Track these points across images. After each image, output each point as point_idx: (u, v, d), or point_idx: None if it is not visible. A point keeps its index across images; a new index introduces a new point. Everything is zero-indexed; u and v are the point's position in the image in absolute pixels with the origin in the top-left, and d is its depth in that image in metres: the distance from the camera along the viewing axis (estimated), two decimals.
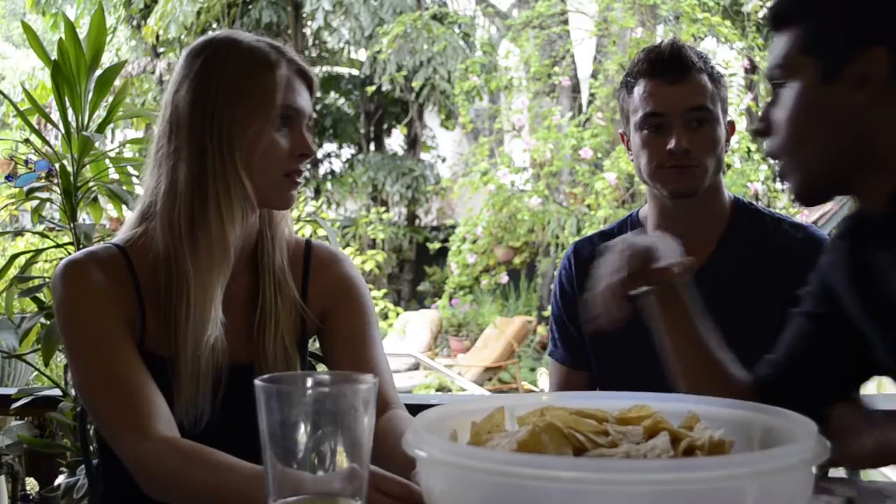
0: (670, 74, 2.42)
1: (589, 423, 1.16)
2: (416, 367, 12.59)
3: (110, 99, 3.45)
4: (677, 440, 1.14)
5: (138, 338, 1.87)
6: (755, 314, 2.27)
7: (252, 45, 1.92)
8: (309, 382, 1.24)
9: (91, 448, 2.41)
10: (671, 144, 2.37)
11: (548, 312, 11.59)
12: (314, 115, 2.02)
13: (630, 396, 1.30)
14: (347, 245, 15.25)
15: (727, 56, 11.78)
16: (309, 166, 2.01)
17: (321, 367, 2.65)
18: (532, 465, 1.00)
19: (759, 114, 2.41)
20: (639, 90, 2.45)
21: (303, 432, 1.16)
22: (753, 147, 10.79)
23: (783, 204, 10.45)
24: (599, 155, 11.32)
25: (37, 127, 3.52)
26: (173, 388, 1.85)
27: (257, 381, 1.17)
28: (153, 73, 16.93)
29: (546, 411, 1.20)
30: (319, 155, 19.04)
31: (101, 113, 3.40)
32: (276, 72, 1.89)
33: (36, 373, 4.34)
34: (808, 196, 1.78)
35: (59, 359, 3.52)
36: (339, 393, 1.21)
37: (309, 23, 17.37)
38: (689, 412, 1.24)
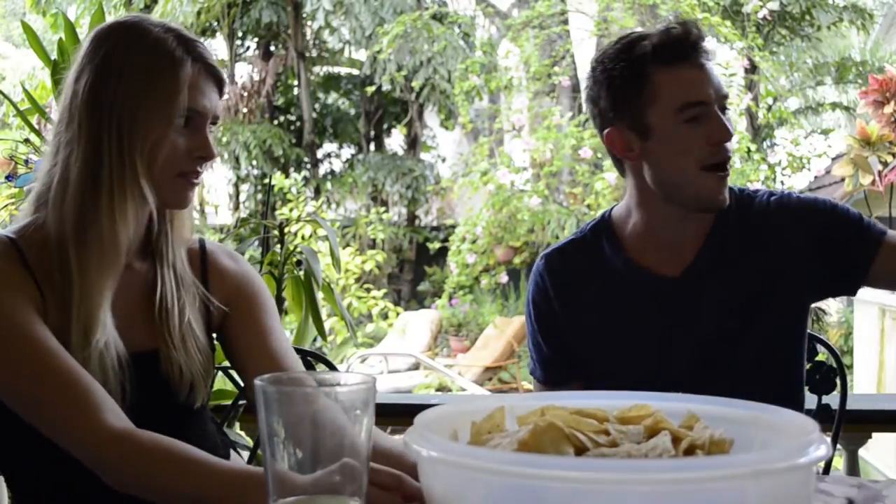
0: (698, 57, 2.15)
1: (590, 422, 1.16)
2: (416, 367, 12.60)
3: None
4: (678, 440, 1.13)
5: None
6: (753, 297, 2.20)
7: (159, 37, 1.82)
8: (308, 382, 1.23)
9: None
10: (717, 136, 2.12)
11: None
12: (219, 117, 1.93)
13: (630, 396, 1.30)
14: (347, 245, 15.26)
15: (727, 56, 11.80)
16: (209, 168, 1.92)
17: (321, 367, 2.65)
18: (533, 464, 0.99)
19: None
20: (665, 76, 2.13)
21: (302, 432, 1.16)
22: (753, 147, 10.80)
23: None
24: (599, 155, 11.33)
25: (37, 127, 3.51)
26: None
27: (257, 381, 1.16)
28: None
29: (547, 411, 1.20)
30: (319, 155, 19.07)
31: None
32: (181, 70, 1.81)
33: None
34: None
35: None
36: (338, 393, 1.21)
37: (309, 23, 17.41)
38: (688, 411, 1.23)
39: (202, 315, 1.99)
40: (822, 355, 2.72)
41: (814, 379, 2.59)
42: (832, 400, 2.63)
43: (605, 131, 2.24)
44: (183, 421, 1.99)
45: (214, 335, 2.06)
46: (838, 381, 2.59)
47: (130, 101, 1.78)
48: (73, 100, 1.83)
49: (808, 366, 2.53)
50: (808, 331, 2.33)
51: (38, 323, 1.73)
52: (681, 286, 2.21)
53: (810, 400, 2.64)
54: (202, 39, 1.91)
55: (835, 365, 2.59)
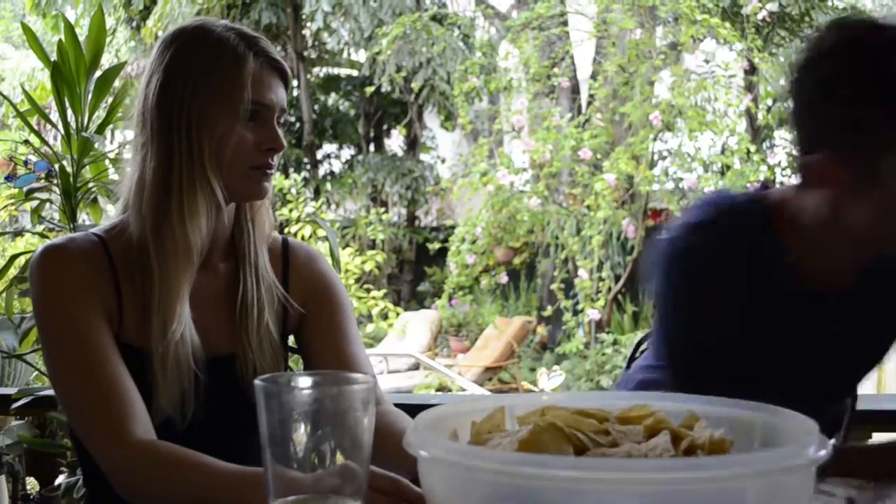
0: None
1: (590, 422, 1.16)
2: (416, 367, 12.59)
3: (110, 100, 3.45)
4: (678, 439, 1.13)
5: (115, 328, 1.84)
6: None
7: (221, 36, 1.88)
8: (309, 382, 1.23)
9: None
10: None
11: (547, 312, 11.48)
12: (287, 109, 1.97)
13: (630, 396, 1.30)
14: (347, 245, 15.24)
15: (726, 58, 11.79)
16: (280, 160, 1.96)
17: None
18: (533, 464, 0.99)
19: None
20: None
21: (303, 432, 1.16)
22: (753, 148, 10.80)
23: None
24: (599, 156, 11.33)
25: (36, 128, 3.52)
26: (150, 381, 1.81)
27: (257, 381, 1.16)
28: None
29: (547, 411, 1.20)
30: (319, 156, 19.05)
31: (100, 114, 3.40)
32: (244, 66, 1.85)
33: (36, 373, 4.34)
34: None
35: None
36: (339, 393, 1.21)
37: (308, 24, 17.37)
38: (688, 411, 1.23)
39: (279, 317, 2.02)
40: None
41: None
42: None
43: (815, 155, 1.88)
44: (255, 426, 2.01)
45: (291, 337, 2.09)
46: None
47: (197, 98, 1.83)
48: (144, 104, 1.88)
49: None
50: None
51: (98, 329, 1.79)
52: (846, 299, 2.07)
53: None
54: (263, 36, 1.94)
55: None
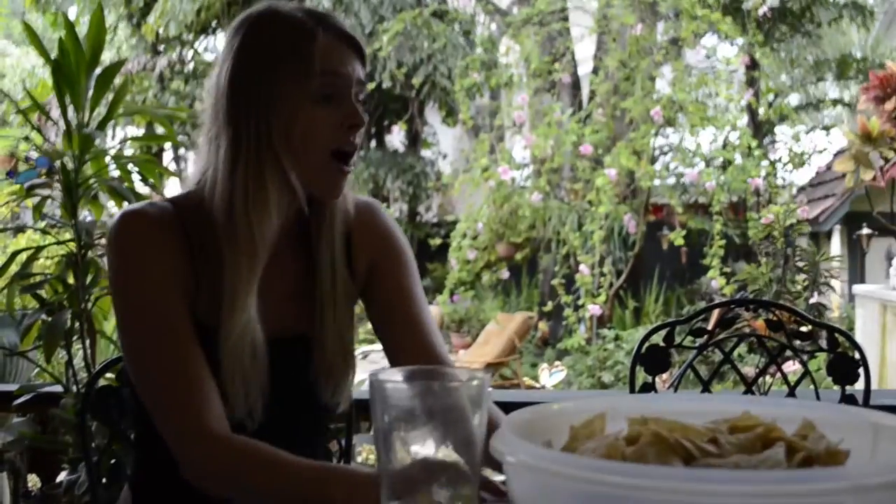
0: None
1: (698, 430, 1.11)
2: None
3: (110, 97, 3.45)
4: (793, 451, 1.09)
5: (190, 305, 1.75)
6: None
7: (288, 15, 1.77)
8: (423, 377, 1.22)
9: (93, 444, 2.40)
10: None
11: (549, 308, 11.53)
12: (365, 83, 1.83)
13: (738, 400, 1.25)
14: None
15: (728, 53, 11.80)
16: (360, 141, 1.81)
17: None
18: (624, 473, 0.95)
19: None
20: None
21: (416, 427, 1.16)
22: (754, 143, 10.80)
23: (784, 200, 10.45)
24: (600, 151, 11.33)
25: (37, 124, 3.51)
26: (220, 360, 1.72)
27: (370, 377, 1.16)
28: (153, 70, 16.93)
29: (650, 421, 1.13)
30: None
31: (101, 110, 3.39)
32: (313, 39, 1.74)
33: (37, 369, 4.34)
34: None
35: (61, 355, 3.52)
36: (452, 388, 1.20)
37: None
38: (803, 419, 1.17)
39: (350, 301, 1.93)
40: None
41: (837, 370, 2.58)
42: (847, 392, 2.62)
43: None
44: (324, 419, 2.00)
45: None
46: (861, 372, 2.58)
47: (265, 80, 1.74)
48: (216, 93, 1.79)
49: (830, 357, 2.54)
50: (829, 322, 2.32)
51: (178, 308, 1.72)
52: None
53: (835, 391, 2.65)
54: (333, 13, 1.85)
55: (857, 356, 2.59)
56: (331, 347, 1.86)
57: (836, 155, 14.71)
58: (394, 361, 1.95)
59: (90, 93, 3.30)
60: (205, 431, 1.63)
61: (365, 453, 4.98)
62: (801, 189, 16.30)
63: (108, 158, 3.44)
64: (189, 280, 1.76)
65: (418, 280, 2.01)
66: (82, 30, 3.35)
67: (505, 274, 12.20)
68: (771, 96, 14.14)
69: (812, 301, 5.28)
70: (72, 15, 15.86)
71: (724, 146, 11.34)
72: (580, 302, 10.81)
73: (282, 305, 1.86)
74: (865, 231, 13.97)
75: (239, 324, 1.72)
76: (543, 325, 13.27)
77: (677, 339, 2.66)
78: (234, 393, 1.74)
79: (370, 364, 12.03)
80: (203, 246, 1.77)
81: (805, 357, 2.72)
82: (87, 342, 3.27)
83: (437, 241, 13.11)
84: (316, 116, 1.74)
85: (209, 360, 1.72)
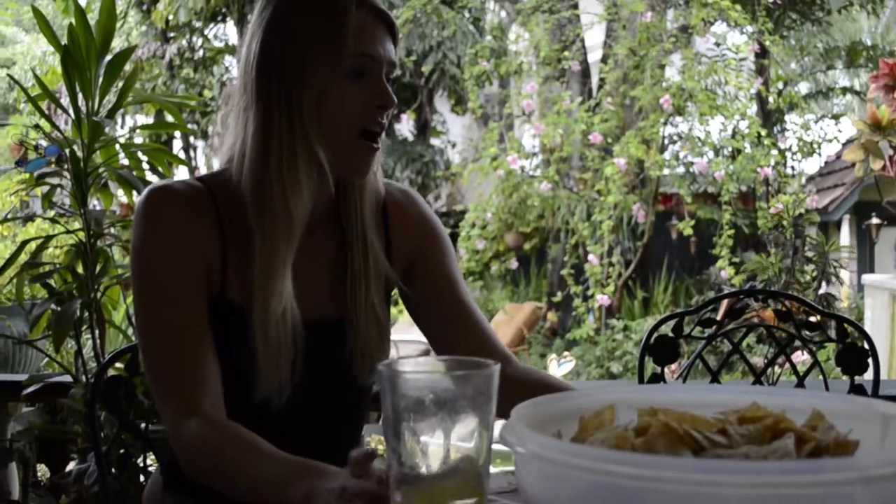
0: None
1: (707, 421, 1.12)
2: (426, 353, 12.57)
3: (120, 84, 3.45)
4: (802, 442, 1.09)
5: (218, 285, 1.76)
6: None
7: None
8: (431, 368, 1.24)
9: (102, 434, 2.40)
10: None
11: (558, 298, 11.54)
12: (396, 64, 1.84)
13: (748, 390, 1.25)
14: None
15: (737, 41, 11.76)
16: (387, 121, 1.81)
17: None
18: (631, 463, 0.96)
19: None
20: None
21: (422, 419, 1.16)
22: (763, 132, 10.77)
23: (793, 189, 10.42)
24: (609, 140, 11.30)
25: (47, 112, 3.51)
26: (252, 340, 1.72)
27: (380, 366, 1.17)
28: (163, 58, 16.92)
29: (659, 411, 1.14)
30: None
31: (111, 98, 3.39)
32: (346, 16, 1.72)
33: (47, 359, 4.34)
34: None
35: (70, 345, 3.53)
36: (462, 377, 1.19)
37: None
38: (813, 409, 1.17)
39: (383, 284, 1.92)
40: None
41: (846, 360, 2.58)
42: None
43: None
44: (360, 401, 1.98)
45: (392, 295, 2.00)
46: (870, 362, 2.58)
47: (296, 55, 1.73)
48: (245, 67, 1.78)
49: (839, 347, 2.54)
50: (838, 312, 2.32)
51: (193, 293, 1.73)
52: None
53: (843, 381, 2.65)
54: None
55: (866, 346, 2.58)
56: (364, 325, 1.85)
57: (845, 144, 14.67)
58: (442, 349, 1.96)
59: (100, 80, 3.30)
60: (196, 411, 1.63)
61: (374, 443, 4.98)
62: (811, 178, 16.27)
63: (117, 147, 3.43)
64: (217, 256, 1.76)
65: (457, 263, 2.01)
66: (93, 16, 3.34)
67: (514, 264, 12.19)
68: (780, 84, 14.10)
69: (821, 291, 5.27)
70: (82, 1, 15.86)
71: (734, 135, 11.31)
72: (589, 292, 10.80)
73: (318, 289, 1.85)
74: (875, 221, 13.93)
75: (276, 306, 1.72)
76: (552, 316, 13.26)
77: (686, 330, 2.66)
78: (267, 375, 1.74)
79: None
80: (234, 221, 1.77)
81: (814, 347, 2.72)
82: (97, 332, 3.27)
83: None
84: (346, 94, 1.74)
85: (241, 340, 1.72)
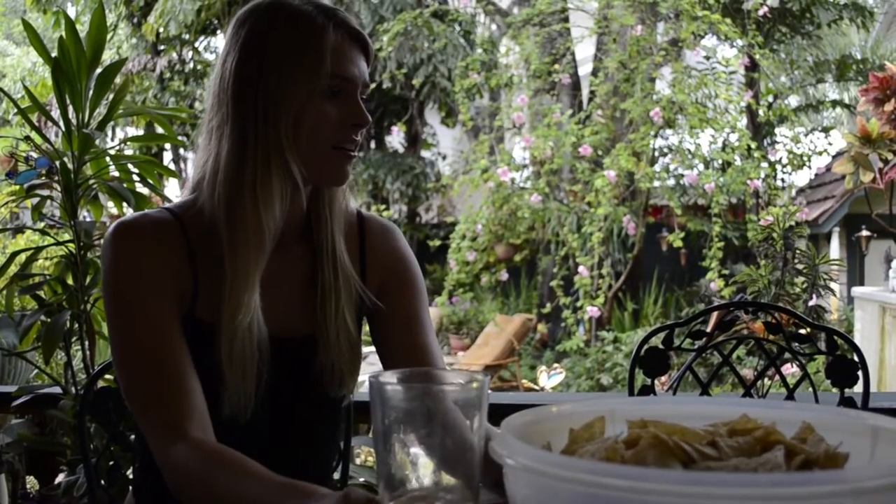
0: None
1: (697, 433, 1.11)
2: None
3: (111, 97, 3.45)
4: (792, 454, 1.09)
5: (188, 304, 1.77)
6: None
7: (298, 9, 1.77)
8: (421, 381, 1.23)
9: (91, 446, 2.40)
10: None
11: (548, 310, 11.53)
12: (370, 84, 1.85)
13: (739, 402, 1.25)
14: None
15: (727, 54, 11.80)
16: (362, 139, 1.84)
17: None
18: (621, 476, 0.96)
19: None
20: None
21: (415, 429, 1.16)
22: (754, 145, 10.80)
23: (783, 202, 10.45)
24: (599, 152, 11.33)
25: (37, 124, 3.50)
26: (218, 353, 1.73)
27: (371, 379, 1.16)
28: (153, 70, 16.93)
29: (649, 423, 1.14)
30: None
31: (101, 110, 3.39)
32: (322, 36, 1.74)
33: (36, 370, 4.34)
34: None
35: (60, 356, 3.52)
36: (451, 391, 1.21)
37: None
38: (802, 422, 1.18)
39: (356, 304, 1.92)
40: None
41: (836, 372, 2.58)
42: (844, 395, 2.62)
43: None
44: (333, 416, 1.99)
45: (365, 319, 2.00)
46: (860, 375, 2.58)
47: (274, 74, 1.74)
48: (220, 83, 1.79)
49: (829, 359, 2.54)
50: (828, 325, 2.32)
51: (168, 316, 1.73)
52: None
53: (833, 393, 2.65)
54: (341, 9, 1.85)
55: (856, 358, 2.59)
56: (335, 340, 1.86)
57: (835, 157, 14.72)
58: None
59: (90, 93, 3.30)
60: (183, 434, 1.63)
61: (363, 455, 4.97)
62: (801, 191, 16.31)
63: (107, 159, 3.43)
64: (187, 282, 1.77)
65: (427, 305, 2.01)
66: (83, 29, 3.34)
67: (504, 275, 12.20)
68: (770, 98, 14.14)
69: (811, 303, 5.28)
70: (72, 14, 15.86)
71: (724, 148, 11.35)
72: (579, 304, 10.81)
73: (288, 306, 1.87)
74: (864, 233, 13.97)
75: (243, 319, 1.73)
76: (542, 327, 13.27)
77: (676, 342, 2.67)
78: (234, 391, 1.75)
79: (368, 365, 12.00)
80: (205, 245, 1.78)
81: (804, 359, 2.73)
82: (86, 343, 3.27)
83: (436, 243, 13.10)
84: (322, 112, 1.76)
85: (208, 356, 1.73)
